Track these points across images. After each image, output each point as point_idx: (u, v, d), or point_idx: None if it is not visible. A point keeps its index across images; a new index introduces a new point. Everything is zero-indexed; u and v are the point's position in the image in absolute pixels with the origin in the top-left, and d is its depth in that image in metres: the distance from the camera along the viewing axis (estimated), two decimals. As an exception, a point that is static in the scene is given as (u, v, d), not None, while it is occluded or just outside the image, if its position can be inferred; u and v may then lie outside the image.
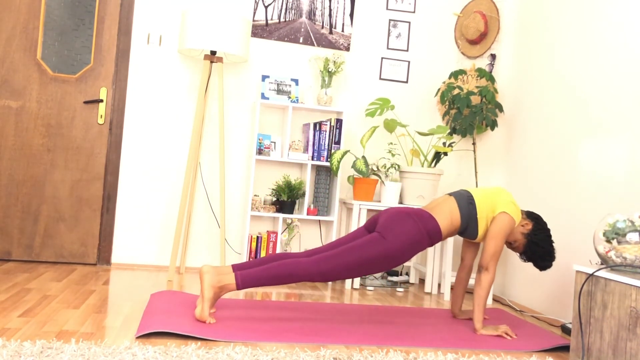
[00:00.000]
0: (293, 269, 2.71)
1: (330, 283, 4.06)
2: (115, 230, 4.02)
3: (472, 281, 3.90)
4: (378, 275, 4.25)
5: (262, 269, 2.71)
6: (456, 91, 4.34)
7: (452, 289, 4.17)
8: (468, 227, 2.98)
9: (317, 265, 2.72)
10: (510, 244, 3.06)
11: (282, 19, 4.25)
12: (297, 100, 4.16)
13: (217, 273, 2.71)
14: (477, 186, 4.02)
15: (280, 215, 3.98)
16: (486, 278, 2.89)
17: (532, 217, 3.06)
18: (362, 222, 3.95)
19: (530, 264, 3.73)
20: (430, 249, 4.06)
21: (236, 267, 2.81)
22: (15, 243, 3.91)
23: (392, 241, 2.77)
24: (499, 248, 2.90)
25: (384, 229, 2.81)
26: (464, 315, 3.26)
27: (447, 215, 2.93)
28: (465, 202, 2.97)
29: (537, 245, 2.99)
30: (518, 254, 3.14)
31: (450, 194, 3.04)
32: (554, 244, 3.06)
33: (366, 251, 2.76)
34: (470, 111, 4.04)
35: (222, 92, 3.85)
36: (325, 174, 4.19)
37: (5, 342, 2.17)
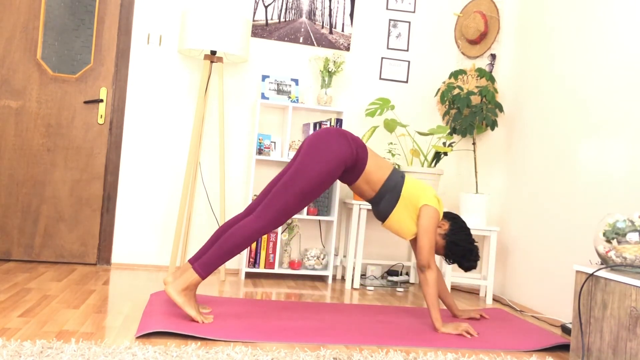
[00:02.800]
0: (240, 234, 2.69)
1: (330, 283, 4.06)
2: (115, 230, 4.02)
3: (466, 280, 3.90)
4: (378, 275, 4.25)
5: (214, 249, 2.70)
6: (456, 91, 4.34)
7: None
8: (384, 199, 2.91)
9: (257, 220, 2.71)
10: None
11: (282, 19, 4.25)
12: (297, 100, 4.16)
13: (176, 277, 2.73)
14: (476, 186, 4.01)
15: (280, 215, 3.98)
16: (431, 276, 2.84)
17: (449, 217, 3.02)
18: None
19: (530, 264, 3.73)
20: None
21: (193, 259, 2.82)
22: (15, 243, 3.91)
23: (321, 163, 2.73)
24: (432, 243, 2.86)
25: (309, 152, 2.76)
26: (465, 315, 3.25)
27: (378, 168, 2.89)
28: (398, 176, 2.93)
29: (456, 245, 2.95)
30: (443, 257, 3.09)
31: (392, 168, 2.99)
32: (475, 243, 3.00)
33: (298, 185, 2.72)
34: (470, 111, 4.04)
35: (222, 92, 3.85)
36: (325, 174, 4.19)
37: (5, 342, 2.17)
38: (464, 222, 3.01)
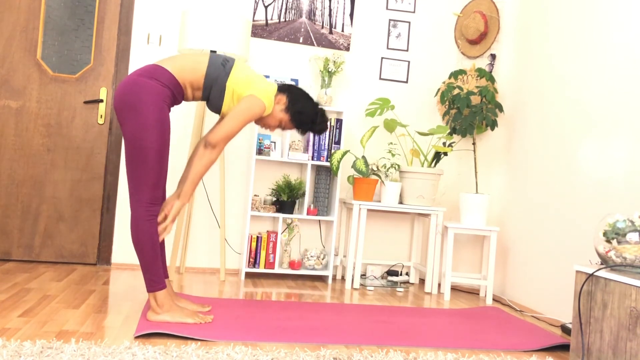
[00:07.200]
0: (139, 236, 2.59)
1: (330, 283, 4.06)
2: (115, 230, 4.02)
3: (466, 280, 3.90)
4: (378, 275, 4.25)
5: (140, 262, 2.65)
6: (456, 91, 4.34)
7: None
8: (211, 94, 2.73)
9: (137, 209, 2.59)
10: (282, 128, 2.89)
11: (282, 19, 4.25)
12: (297, 100, 4.16)
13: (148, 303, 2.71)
14: (476, 187, 4.01)
15: (280, 215, 3.98)
16: (211, 156, 2.65)
17: (283, 89, 2.87)
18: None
19: (530, 264, 3.73)
20: (430, 249, 4.06)
21: None
22: (15, 243, 3.91)
23: (143, 121, 2.56)
24: (235, 130, 2.66)
25: (123, 115, 2.58)
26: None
27: (191, 70, 2.68)
28: (218, 64, 2.72)
29: (301, 114, 2.84)
30: (297, 132, 2.99)
31: (208, 57, 2.75)
32: (317, 105, 2.88)
33: (137, 158, 2.56)
34: (470, 111, 4.04)
35: (222, 92, 3.85)
36: (325, 174, 4.19)
37: (5, 342, 2.17)
38: (300, 89, 2.89)
